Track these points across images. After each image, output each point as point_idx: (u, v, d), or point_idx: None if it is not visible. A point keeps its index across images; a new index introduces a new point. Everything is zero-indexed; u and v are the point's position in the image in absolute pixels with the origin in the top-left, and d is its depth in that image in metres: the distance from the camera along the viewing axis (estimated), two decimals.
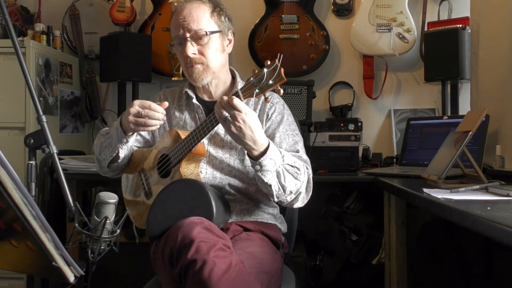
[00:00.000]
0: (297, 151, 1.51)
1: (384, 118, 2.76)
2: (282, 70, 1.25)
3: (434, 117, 2.58)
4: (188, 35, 1.49)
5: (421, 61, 2.61)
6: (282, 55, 1.26)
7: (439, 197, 1.24)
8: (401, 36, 2.54)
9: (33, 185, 1.20)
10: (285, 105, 1.62)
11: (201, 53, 1.50)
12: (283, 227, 1.62)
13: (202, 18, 1.51)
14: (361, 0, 2.59)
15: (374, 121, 2.76)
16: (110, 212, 1.13)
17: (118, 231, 1.15)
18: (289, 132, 1.54)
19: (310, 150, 2.25)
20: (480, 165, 1.67)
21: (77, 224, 1.11)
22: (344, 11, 2.74)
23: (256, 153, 1.33)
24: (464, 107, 2.44)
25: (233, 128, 1.28)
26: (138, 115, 1.41)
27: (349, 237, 2.28)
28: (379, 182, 1.91)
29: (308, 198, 1.48)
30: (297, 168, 1.42)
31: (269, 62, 1.26)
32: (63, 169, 1.28)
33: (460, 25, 2.40)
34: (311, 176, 1.48)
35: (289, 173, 1.39)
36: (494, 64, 1.98)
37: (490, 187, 1.35)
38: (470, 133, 1.42)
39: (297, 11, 2.65)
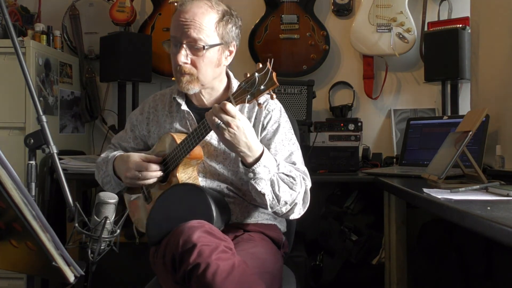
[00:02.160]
0: (293, 163, 1.45)
1: (384, 118, 2.76)
2: (274, 74, 1.19)
3: (434, 117, 2.58)
4: (185, 41, 1.39)
5: (421, 61, 2.61)
6: (273, 59, 1.21)
7: (439, 197, 1.25)
8: (401, 36, 2.54)
9: (33, 185, 1.20)
10: (282, 111, 1.53)
11: (193, 63, 1.41)
12: (283, 227, 1.61)
13: (205, 28, 1.39)
14: (361, 0, 2.60)
15: (374, 121, 2.76)
16: (110, 212, 1.13)
17: (118, 231, 1.15)
18: (284, 142, 1.47)
19: (310, 150, 2.25)
20: (480, 165, 1.67)
21: (77, 224, 1.11)
22: (344, 11, 2.74)
23: (250, 159, 1.29)
24: (464, 107, 2.44)
25: (226, 135, 1.24)
26: (135, 178, 1.44)
27: (349, 237, 2.28)
28: (379, 182, 1.91)
29: (304, 210, 1.42)
30: (292, 178, 1.36)
31: (260, 66, 1.21)
32: (63, 169, 1.28)
33: (460, 25, 2.39)
34: (308, 187, 1.42)
35: (284, 182, 1.34)
36: (494, 64, 1.99)
37: (490, 187, 1.35)
38: (470, 133, 1.42)
39: (297, 11, 2.65)
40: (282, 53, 2.64)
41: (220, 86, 1.54)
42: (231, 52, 1.49)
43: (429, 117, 2.59)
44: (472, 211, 1.04)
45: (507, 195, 1.22)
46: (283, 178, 1.35)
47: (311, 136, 2.35)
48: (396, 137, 2.68)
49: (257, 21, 2.69)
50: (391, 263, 1.99)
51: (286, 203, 1.35)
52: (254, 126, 1.48)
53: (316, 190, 1.49)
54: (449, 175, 1.48)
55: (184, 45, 1.39)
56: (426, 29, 2.59)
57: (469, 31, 2.29)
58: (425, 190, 1.38)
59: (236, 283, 1.12)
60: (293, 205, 1.37)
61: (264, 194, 1.31)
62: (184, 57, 1.40)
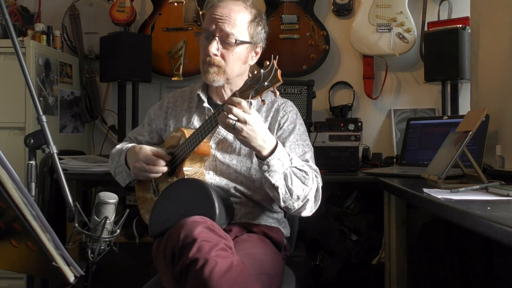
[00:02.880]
0: (306, 161, 1.48)
1: (384, 118, 2.76)
2: (278, 71, 1.22)
3: (434, 117, 2.58)
4: (218, 34, 1.46)
5: (421, 61, 2.61)
6: (277, 56, 1.24)
7: (439, 197, 1.24)
8: (401, 36, 2.54)
9: (33, 185, 1.20)
10: (298, 114, 1.60)
11: (223, 56, 1.48)
12: (286, 231, 1.62)
13: (239, 24, 1.47)
14: (361, 0, 2.59)
15: (374, 121, 2.75)
16: (110, 212, 1.13)
17: (118, 231, 1.15)
18: (299, 142, 1.52)
19: None
20: (480, 165, 1.67)
21: (77, 224, 1.11)
22: (344, 11, 2.74)
23: (266, 152, 1.31)
24: (464, 107, 2.44)
25: (244, 133, 1.27)
26: (142, 169, 1.48)
27: (349, 237, 2.28)
28: (379, 182, 1.91)
29: (316, 208, 1.44)
30: (305, 172, 1.39)
31: (267, 63, 1.24)
32: (63, 169, 1.28)
33: (460, 25, 2.39)
34: (320, 185, 1.44)
35: (296, 176, 1.36)
36: (494, 64, 1.98)
37: (490, 187, 1.34)
38: (470, 133, 1.42)
39: (297, 11, 2.65)
40: (282, 53, 2.64)
41: (241, 84, 1.56)
42: (257, 53, 1.57)
43: (429, 117, 2.59)
44: (472, 211, 1.04)
45: (507, 195, 1.22)
46: (296, 172, 1.37)
47: (311, 136, 2.35)
48: (396, 137, 2.68)
49: None
50: (391, 263, 1.99)
51: (298, 198, 1.37)
52: (270, 124, 1.54)
53: None
54: (449, 175, 1.48)
55: (217, 38, 1.46)
56: (426, 29, 2.59)
57: (469, 31, 2.29)
58: (425, 190, 1.38)
59: (233, 282, 1.12)
60: (305, 201, 1.39)
61: (277, 188, 1.33)
62: (215, 48, 1.46)
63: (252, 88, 1.25)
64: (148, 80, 2.65)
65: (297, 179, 1.36)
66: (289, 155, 1.38)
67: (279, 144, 1.34)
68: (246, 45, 1.50)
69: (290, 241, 1.70)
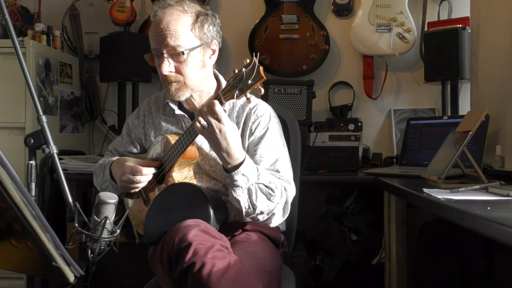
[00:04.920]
0: (277, 171, 1.44)
1: (384, 118, 2.76)
2: (261, 68, 1.19)
3: (434, 117, 2.58)
4: (164, 50, 1.39)
5: (421, 61, 2.61)
6: (259, 53, 1.22)
7: (439, 197, 1.25)
8: (401, 36, 2.54)
9: (33, 185, 1.20)
10: (272, 117, 1.51)
11: (178, 71, 1.41)
12: (282, 226, 1.61)
13: (181, 33, 1.38)
14: (361, 0, 2.60)
15: (374, 121, 2.76)
16: (110, 212, 1.13)
17: (118, 231, 1.15)
18: (271, 148, 1.46)
19: (310, 150, 2.25)
20: (480, 165, 1.67)
21: (77, 224, 1.11)
22: (344, 11, 2.74)
23: (229, 166, 1.30)
24: (464, 107, 2.44)
25: (209, 137, 1.27)
26: (129, 182, 1.44)
27: (349, 237, 2.28)
28: (379, 182, 1.91)
29: (283, 220, 1.43)
30: (271, 189, 1.36)
31: (247, 61, 1.21)
32: (63, 169, 1.27)
33: (460, 25, 2.40)
34: (290, 197, 1.42)
35: (262, 193, 1.34)
36: (494, 64, 1.99)
37: (490, 187, 1.35)
38: (470, 133, 1.42)
39: (297, 11, 2.65)
40: (282, 53, 2.64)
41: (209, 87, 1.54)
42: (214, 51, 1.48)
43: (429, 117, 2.59)
44: (472, 211, 1.04)
45: (507, 195, 1.22)
46: (262, 188, 1.35)
47: (311, 136, 2.35)
48: (396, 137, 2.68)
49: (257, 21, 2.69)
50: (391, 263, 1.99)
51: (262, 212, 1.36)
52: (242, 130, 1.48)
53: (316, 190, 1.49)
54: (449, 175, 1.48)
55: (165, 55, 1.40)
56: (426, 29, 2.59)
57: (469, 31, 2.29)
58: (425, 190, 1.38)
59: (232, 282, 1.12)
60: (271, 215, 1.38)
61: (239, 201, 1.32)
62: (167, 66, 1.40)
63: (236, 87, 1.22)
64: (148, 80, 2.65)
65: (263, 195, 1.34)
66: (258, 170, 1.34)
67: (247, 159, 1.31)
68: (198, 49, 1.42)
69: (289, 238, 1.69)
